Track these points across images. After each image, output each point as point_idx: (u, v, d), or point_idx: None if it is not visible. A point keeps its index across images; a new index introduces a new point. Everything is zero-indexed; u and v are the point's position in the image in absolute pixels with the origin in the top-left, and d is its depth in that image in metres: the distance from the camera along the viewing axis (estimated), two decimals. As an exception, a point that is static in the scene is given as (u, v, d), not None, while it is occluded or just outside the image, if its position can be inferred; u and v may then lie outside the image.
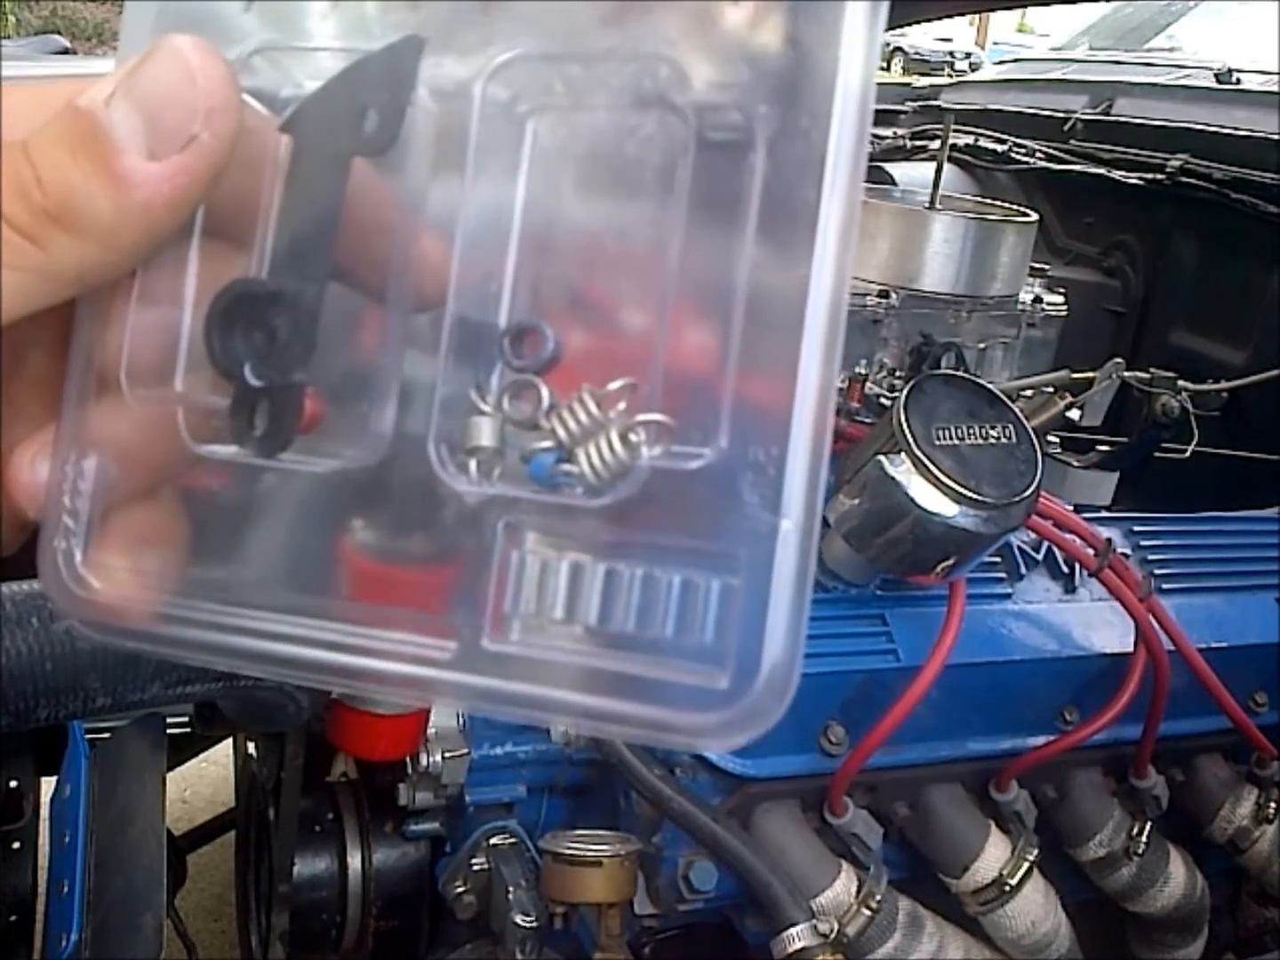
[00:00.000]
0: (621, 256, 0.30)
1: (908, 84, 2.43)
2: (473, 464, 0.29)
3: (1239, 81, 1.82)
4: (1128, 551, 1.19)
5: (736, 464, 0.27)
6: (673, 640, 0.28)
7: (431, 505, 0.29)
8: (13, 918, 1.06)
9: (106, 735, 1.04)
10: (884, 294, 1.19)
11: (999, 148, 1.97)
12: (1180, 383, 1.26)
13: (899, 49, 16.29)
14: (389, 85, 0.29)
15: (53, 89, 0.29)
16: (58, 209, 0.27)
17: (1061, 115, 1.95)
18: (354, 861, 1.16)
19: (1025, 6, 2.25)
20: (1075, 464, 1.29)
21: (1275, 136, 1.60)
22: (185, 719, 1.21)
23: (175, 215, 0.28)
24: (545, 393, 0.29)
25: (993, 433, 0.97)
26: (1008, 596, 1.14)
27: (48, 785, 1.10)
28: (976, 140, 2.02)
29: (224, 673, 0.78)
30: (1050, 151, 1.90)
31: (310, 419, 0.29)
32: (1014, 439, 0.97)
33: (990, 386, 1.01)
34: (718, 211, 0.28)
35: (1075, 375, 1.23)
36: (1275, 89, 1.73)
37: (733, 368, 0.27)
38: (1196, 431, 1.26)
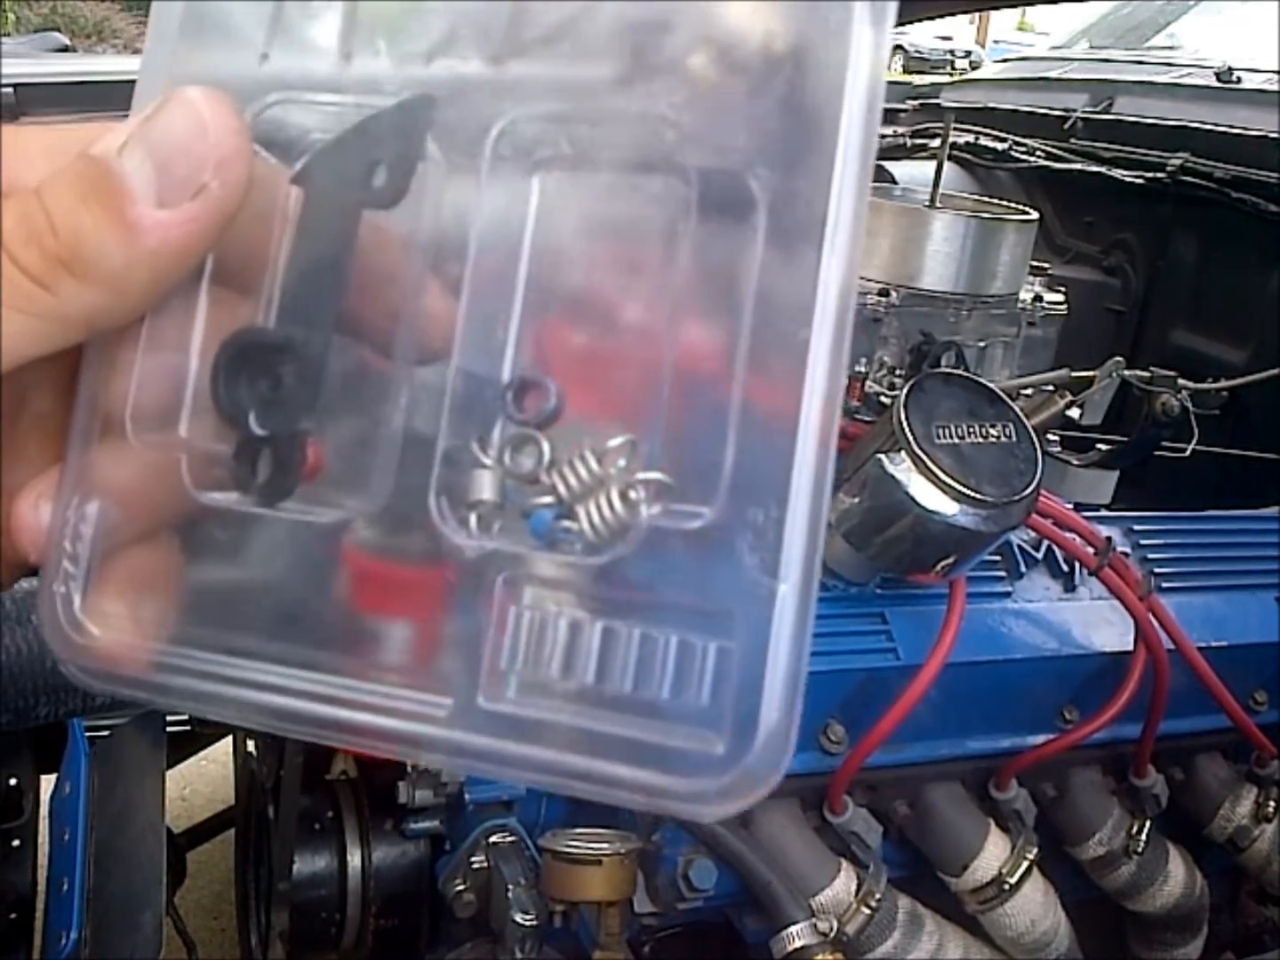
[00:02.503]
0: (624, 313, 0.30)
1: (908, 82, 2.43)
2: (473, 518, 0.29)
3: (1239, 80, 1.81)
4: (1128, 550, 1.19)
5: (735, 525, 0.27)
6: (669, 702, 0.27)
7: (430, 558, 0.29)
8: (12, 915, 1.06)
9: (106, 733, 1.04)
10: (884, 292, 1.19)
11: (999, 146, 1.97)
12: (1180, 382, 1.26)
13: (899, 47, 16.28)
14: (400, 141, 0.29)
15: (65, 135, 0.29)
16: (69, 255, 0.27)
17: (1062, 114, 1.94)
18: (354, 860, 1.16)
19: (1025, 5, 2.25)
20: (1075, 463, 1.29)
21: (1275, 135, 1.60)
22: (185, 716, 1.21)
23: (184, 262, 0.29)
24: (546, 447, 0.28)
25: (993, 431, 0.97)
26: (1007, 595, 1.14)
27: (47, 783, 1.11)
28: (977, 139, 2.02)
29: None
30: (1051, 150, 1.90)
31: (311, 468, 0.29)
32: (1014, 438, 0.97)
33: (990, 385, 1.01)
34: (720, 270, 0.28)
35: (1075, 374, 1.23)
36: (1275, 88, 1.73)
37: (733, 428, 0.27)
38: (1196, 430, 1.26)
